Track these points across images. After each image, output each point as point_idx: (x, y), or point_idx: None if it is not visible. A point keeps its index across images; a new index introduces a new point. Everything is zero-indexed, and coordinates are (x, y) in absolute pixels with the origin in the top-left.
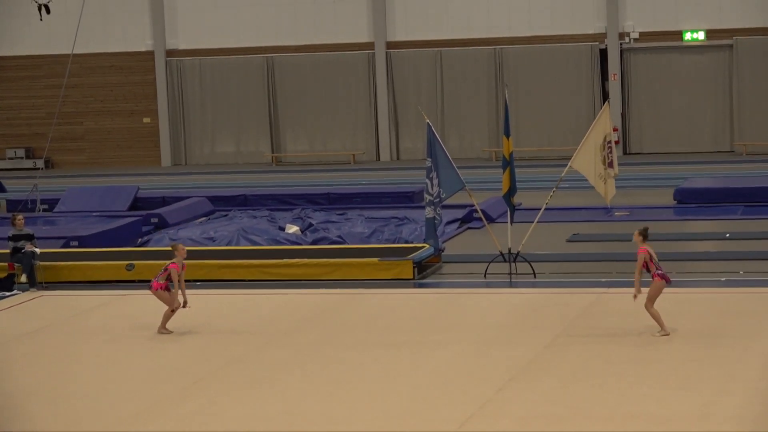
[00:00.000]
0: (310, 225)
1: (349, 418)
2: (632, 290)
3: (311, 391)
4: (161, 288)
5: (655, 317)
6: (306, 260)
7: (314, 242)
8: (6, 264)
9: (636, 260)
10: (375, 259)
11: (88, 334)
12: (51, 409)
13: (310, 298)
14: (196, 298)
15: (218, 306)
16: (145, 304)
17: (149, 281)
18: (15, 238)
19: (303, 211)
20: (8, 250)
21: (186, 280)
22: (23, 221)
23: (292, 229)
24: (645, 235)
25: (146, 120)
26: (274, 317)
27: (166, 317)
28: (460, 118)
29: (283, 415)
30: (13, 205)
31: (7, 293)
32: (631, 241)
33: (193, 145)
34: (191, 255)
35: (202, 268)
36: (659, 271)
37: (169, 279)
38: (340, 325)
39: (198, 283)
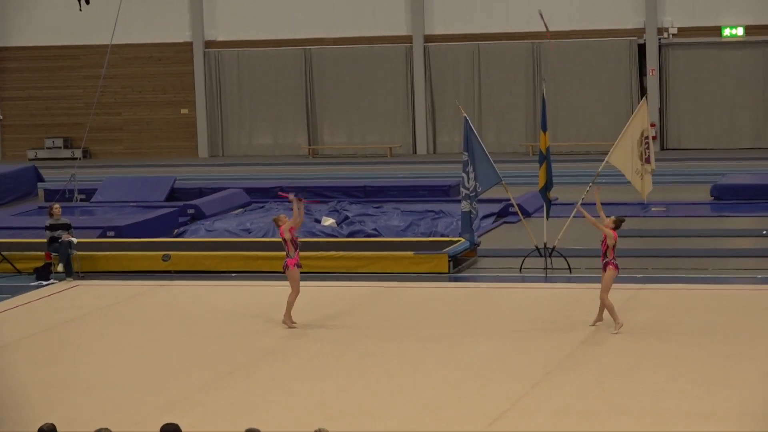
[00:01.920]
0: (346, 218)
1: (384, 411)
2: (666, 286)
3: (346, 383)
4: (296, 265)
5: (610, 310)
6: (341, 253)
7: (350, 235)
8: (43, 253)
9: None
10: (410, 253)
11: (124, 324)
12: (88, 398)
13: (345, 290)
14: (232, 289)
15: (254, 297)
16: (181, 294)
17: (185, 272)
18: (52, 227)
19: (339, 203)
20: (45, 240)
21: (221, 272)
22: (60, 211)
23: (328, 221)
24: (618, 225)
25: (184, 111)
26: (310, 309)
27: (290, 305)
28: (497, 112)
29: (318, 407)
30: (51, 195)
31: (44, 282)
32: (668, 237)
33: (231, 137)
34: (225, 246)
35: (238, 259)
36: (614, 260)
37: (295, 245)
38: (375, 318)
39: (234, 275)
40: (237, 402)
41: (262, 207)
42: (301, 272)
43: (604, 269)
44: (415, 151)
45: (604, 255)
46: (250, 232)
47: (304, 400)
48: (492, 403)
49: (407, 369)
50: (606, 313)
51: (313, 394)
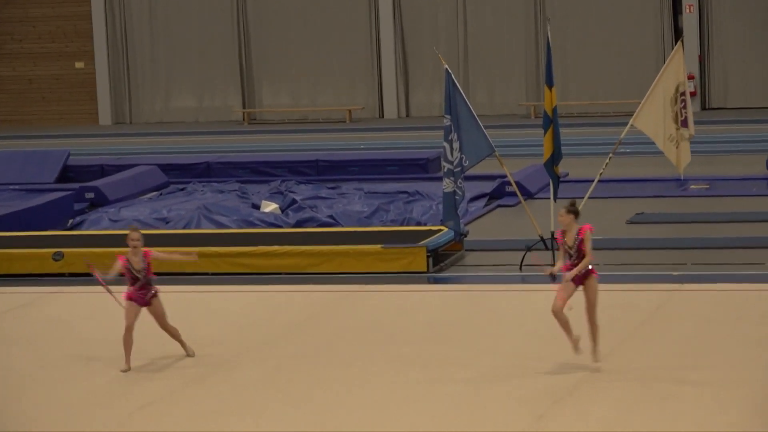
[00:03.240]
0: (293, 202)
1: None
2: (710, 286)
3: (292, 419)
4: (127, 297)
5: (595, 333)
6: (288, 247)
7: (298, 224)
8: None
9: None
10: (378, 246)
11: (4, 345)
12: None
13: (293, 296)
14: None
15: (174, 308)
16: (79, 304)
17: (81, 275)
18: None
19: (284, 183)
20: None
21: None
22: None
23: (270, 207)
24: (575, 212)
25: (79, 65)
26: (246, 323)
27: (125, 344)
28: (488, 64)
29: None
30: None
31: None
32: (710, 222)
33: (141, 99)
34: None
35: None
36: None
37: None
38: (331, 333)
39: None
40: None
41: (183, 189)
42: (236, 273)
43: (582, 281)
44: (381, 115)
45: (575, 257)
46: (167, 222)
47: None
48: None
49: (373, 401)
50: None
51: None
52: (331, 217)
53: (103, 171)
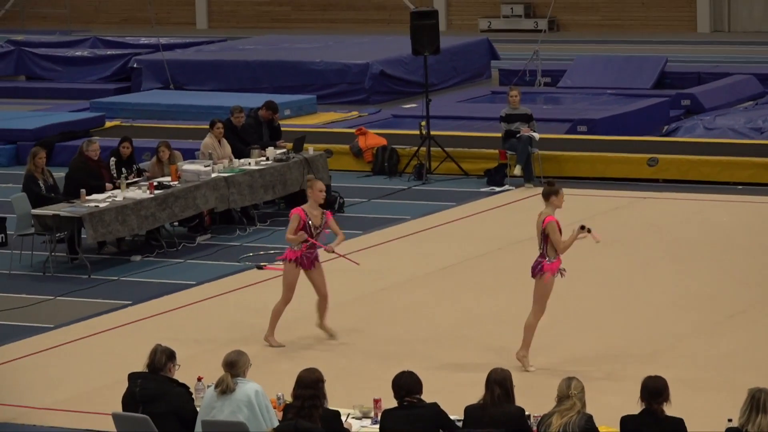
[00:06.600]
0: None
1: None
2: None
3: None
4: (291, 259)
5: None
6: None
7: None
8: (496, 151)
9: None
10: None
11: (596, 246)
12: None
13: None
14: (736, 206)
15: (763, 217)
16: (670, 209)
17: (676, 182)
18: (508, 118)
19: None
20: (500, 134)
21: (722, 183)
22: (519, 98)
23: None
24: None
25: None
26: None
27: (274, 314)
28: None
29: None
30: (508, 77)
31: (497, 188)
32: None
33: (739, 6)
34: (729, 150)
35: (746, 167)
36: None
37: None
38: None
39: (739, 187)
40: None
41: None
42: None
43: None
44: None
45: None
46: (762, 133)
47: None
48: None
49: None
50: None
51: None
52: None
53: (699, 78)
